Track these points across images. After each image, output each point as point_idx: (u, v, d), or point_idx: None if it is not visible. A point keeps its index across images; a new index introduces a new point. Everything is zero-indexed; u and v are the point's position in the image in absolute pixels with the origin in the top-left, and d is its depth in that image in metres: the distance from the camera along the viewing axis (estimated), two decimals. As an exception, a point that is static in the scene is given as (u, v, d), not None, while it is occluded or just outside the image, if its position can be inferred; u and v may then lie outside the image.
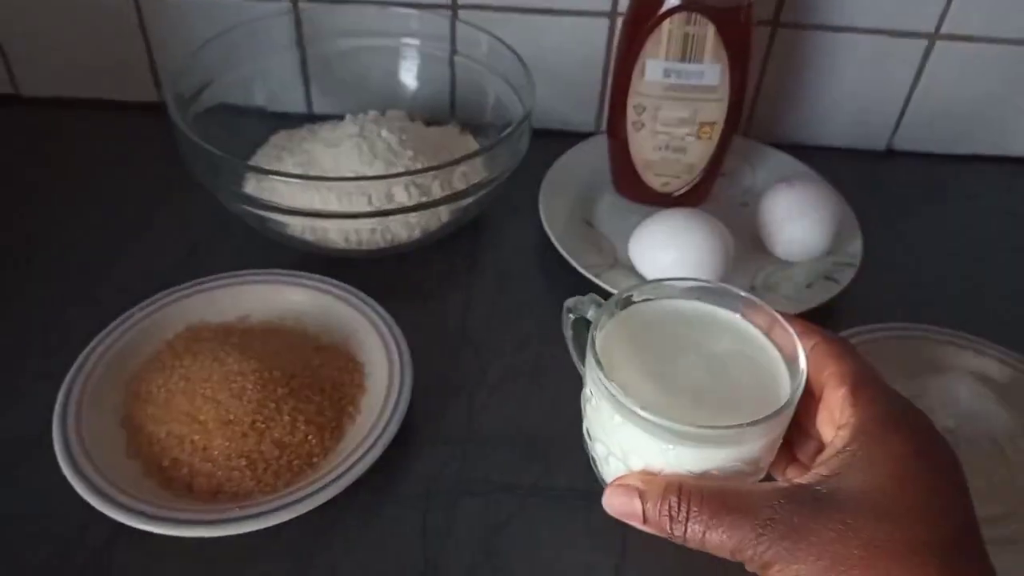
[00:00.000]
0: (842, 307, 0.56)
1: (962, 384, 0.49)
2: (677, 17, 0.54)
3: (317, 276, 0.53)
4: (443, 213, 0.58)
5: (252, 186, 0.56)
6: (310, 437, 0.45)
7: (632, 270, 0.57)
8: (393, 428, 0.45)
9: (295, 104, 0.71)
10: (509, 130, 0.56)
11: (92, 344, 0.48)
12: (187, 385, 0.45)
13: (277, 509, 0.41)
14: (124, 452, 0.45)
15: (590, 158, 0.66)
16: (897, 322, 0.54)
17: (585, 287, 0.55)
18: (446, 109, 0.70)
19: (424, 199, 0.55)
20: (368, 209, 0.54)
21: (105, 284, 0.56)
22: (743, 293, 0.43)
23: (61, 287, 0.56)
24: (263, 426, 0.44)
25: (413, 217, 0.56)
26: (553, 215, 0.61)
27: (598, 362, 0.40)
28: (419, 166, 0.58)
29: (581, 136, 0.70)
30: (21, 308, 0.54)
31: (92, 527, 0.42)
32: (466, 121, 0.69)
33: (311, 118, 0.70)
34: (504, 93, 0.64)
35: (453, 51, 0.68)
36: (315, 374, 0.48)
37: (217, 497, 0.43)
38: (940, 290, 0.61)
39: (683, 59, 0.55)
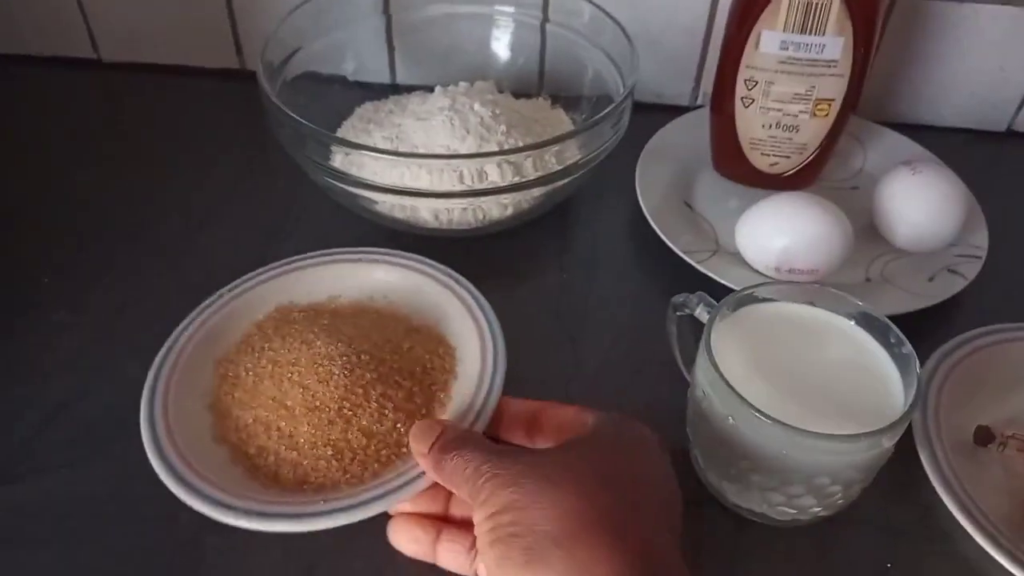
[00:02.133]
0: (968, 303, 0.52)
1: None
2: (799, -15, 0.50)
3: (409, 255, 0.50)
4: (536, 192, 0.55)
5: (340, 160, 0.54)
6: (399, 425, 0.42)
7: (736, 256, 0.53)
8: (486, 417, 0.42)
9: (379, 74, 0.69)
10: (610, 107, 0.53)
11: (183, 325, 0.46)
12: (275, 369, 0.43)
13: (365, 503, 0.38)
14: (211, 437, 0.43)
15: (687, 135, 0.62)
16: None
17: (685, 273, 0.52)
18: (535, 81, 0.67)
19: (518, 179, 0.52)
20: (459, 188, 0.51)
21: (190, 257, 0.55)
22: (858, 301, 0.40)
23: (147, 261, 0.55)
24: (350, 413, 0.42)
25: (506, 197, 0.53)
26: (650, 195, 0.57)
27: (713, 363, 0.38)
28: (512, 142, 0.55)
29: (675, 110, 0.66)
30: (108, 282, 0.53)
31: (181, 514, 0.40)
32: (557, 94, 0.65)
33: (395, 88, 0.67)
34: (603, 66, 0.60)
35: (545, 19, 0.64)
36: (405, 358, 0.45)
37: (303, 487, 0.40)
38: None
39: (804, 31, 0.51)
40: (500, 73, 0.66)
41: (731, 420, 0.37)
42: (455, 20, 0.65)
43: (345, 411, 0.41)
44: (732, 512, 0.41)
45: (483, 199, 0.53)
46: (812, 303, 0.42)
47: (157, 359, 0.44)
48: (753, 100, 0.55)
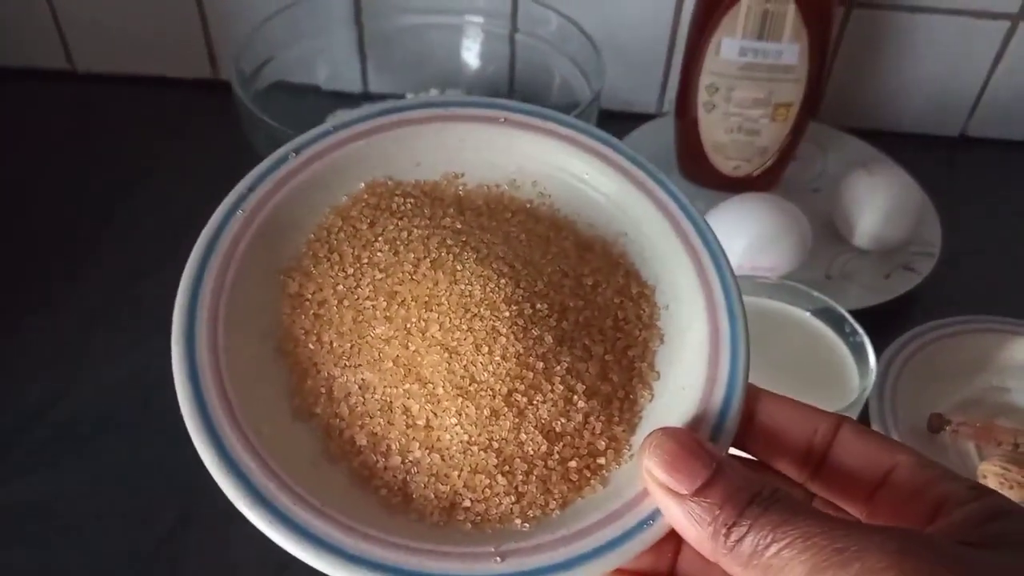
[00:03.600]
0: (921, 298, 0.54)
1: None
2: (756, -6, 0.52)
3: (571, 120, 0.30)
4: (507, 195, 0.56)
5: (314, 165, 0.55)
6: (592, 420, 0.25)
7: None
8: (731, 426, 0.24)
9: (351, 83, 0.70)
10: (576, 112, 0.55)
11: (225, 207, 0.28)
12: (392, 307, 0.25)
13: (569, 563, 0.22)
14: (288, 410, 0.25)
15: (653, 141, 0.64)
16: (979, 314, 0.51)
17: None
18: (506, 89, 0.68)
19: None
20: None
21: (166, 266, 0.55)
22: (815, 294, 0.42)
23: (121, 269, 0.55)
24: (524, 400, 0.25)
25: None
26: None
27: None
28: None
29: (643, 118, 0.68)
30: (83, 290, 0.54)
31: (160, 512, 0.41)
32: (527, 101, 0.67)
33: (367, 97, 0.69)
34: (571, 74, 0.62)
35: (514, 29, 0.66)
36: (590, 304, 0.27)
37: (452, 517, 0.24)
38: (1020, 284, 0.58)
39: (761, 37, 0.53)
40: (470, 81, 0.67)
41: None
42: (426, 30, 0.67)
43: (516, 396, 0.25)
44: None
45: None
46: (771, 297, 0.43)
47: (189, 269, 0.26)
48: (715, 106, 0.57)
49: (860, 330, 0.40)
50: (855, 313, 0.48)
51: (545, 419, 0.25)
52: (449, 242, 0.26)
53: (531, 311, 0.25)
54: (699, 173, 0.61)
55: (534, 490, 0.24)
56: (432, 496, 0.24)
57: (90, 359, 0.49)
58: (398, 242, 0.27)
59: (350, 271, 0.27)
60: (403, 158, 0.30)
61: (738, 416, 0.24)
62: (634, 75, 0.70)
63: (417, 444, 0.24)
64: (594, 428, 0.25)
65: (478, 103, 0.30)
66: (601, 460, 0.25)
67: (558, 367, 0.25)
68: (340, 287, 0.26)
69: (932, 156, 0.70)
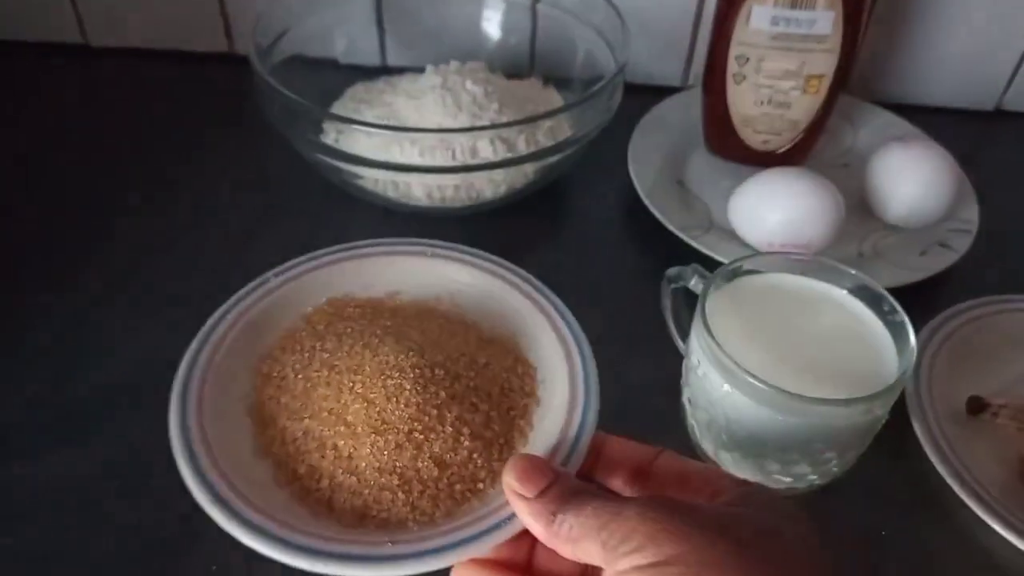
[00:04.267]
0: (958, 276, 0.52)
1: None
2: (789, -40, 0.50)
3: (482, 253, 0.44)
4: (529, 170, 0.55)
5: (332, 137, 0.54)
6: (475, 456, 0.35)
7: (729, 234, 0.53)
8: (579, 457, 0.34)
9: (369, 56, 0.69)
10: (601, 84, 0.53)
11: (220, 312, 0.39)
12: (331, 375, 0.37)
13: (441, 549, 0.32)
14: (252, 449, 0.36)
15: (679, 114, 0.62)
16: (1018, 293, 0.50)
17: (678, 251, 0.53)
18: (526, 62, 0.67)
19: (509, 155, 0.52)
20: (452, 163, 0.51)
21: (179, 242, 0.55)
22: (852, 271, 0.40)
23: (133, 246, 0.54)
24: (421, 437, 0.35)
25: (499, 174, 0.53)
26: (643, 174, 0.57)
27: (708, 330, 0.38)
28: (505, 119, 0.55)
29: (666, 91, 0.66)
30: (93, 267, 0.53)
31: (175, 497, 0.40)
32: (549, 74, 0.65)
33: (385, 70, 0.67)
34: (595, 46, 0.60)
35: (536, 1, 0.64)
36: (481, 375, 0.38)
37: (363, 522, 0.34)
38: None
39: (794, 6, 0.51)
40: (491, 54, 0.66)
41: (726, 387, 0.38)
42: (445, 1, 0.65)
43: (416, 434, 0.35)
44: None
45: (476, 176, 0.53)
46: (806, 274, 0.42)
47: (189, 352, 0.37)
48: (745, 77, 0.55)
49: (900, 309, 0.39)
50: (890, 292, 0.47)
51: (437, 452, 0.35)
52: (379, 332, 0.38)
53: (431, 375, 0.36)
54: (726, 147, 0.60)
55: (425, 503, 0.34)
56: (349, 508, 0.34)
57: (100, 341, 0.48)
58: (343, 335, 0.39)
59: (306, 355, 0.38)
60: (357, 281, 0.43)
61: (584, 449, 0.34)
62: (658, 47, 0.68)
63: (341, 470, 0.35)
64: (477, 462, 0.35)
65: (413, 242, 0.44)
66: (480, 485, 0.35)
67: (449, 415, 0.36)
68: (297, 366, 0.38)
69: (967, 131, 0.68)
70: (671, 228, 0.53)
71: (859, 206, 0.56)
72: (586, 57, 0.61)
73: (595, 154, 0.58)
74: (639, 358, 0.48)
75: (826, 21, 0.52)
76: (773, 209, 0.50)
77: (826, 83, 0.54)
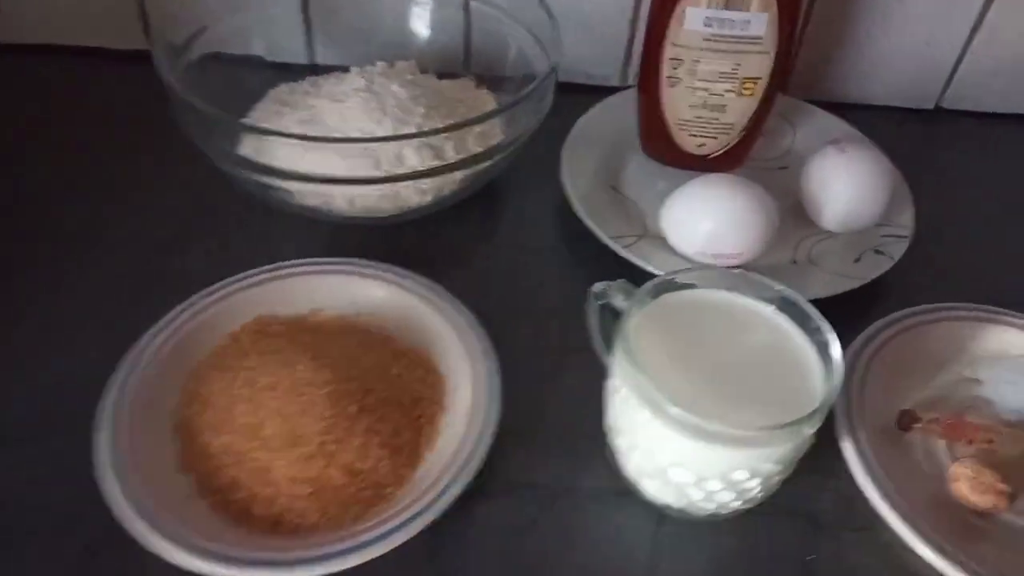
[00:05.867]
0: (894, 283, 0.51)
1: (1028, 374, 0.45)
2: (721, -41, 0.48)
3: (399, 269, 0.47)
4: (458, 177, 0.53)
5: (249, 147, 0.51)
6: (383, 463, 0.39)
7: (663, 241, 0.52)
8: (473, 466, 0.38)
9: (296, 54, 0.66)
10: (531, 87, 0.51)
11: (151, 331, 0.42)
12: (252, 392, 0.39)
13: (347, 551, 0.35)
14: (176, 465, 0.39)
15: (615, 116, 0.61)
16: (954, 301, 0.49)
17: (612, 259, 0.51)
18: (460, 60, 0.64)
19: (437, 163, 0.50)
20: (376, 174, 0.49)
21: (96, 254, 0.52)
22: (779, 286, 0.39)
23: (45, 259, 0.51)
24: (333, 448, 0.38)
25: (426, 182, 0.51)
26: (576, 179, 0.56)
27: (629, 354, 0.36)
28: (432, 124, 0.53)
29: (604, 91, 0.64)
30: (8, 282, 0.50)
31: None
32: (482, 74, 0.63)
33: (314, 69, 0.64)
34: (527, 44, 0.58)
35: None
36: (393, 386, 0.42)
37: (277, 528, 0.37)
38: (1001, 264, 0.56)
39: (727, 6, 0.50)
40: (423, 52, 0.63)
41: (647, 414, 0.36)
42: (376, -2, 0.63)
43: (328, 446, 0.38)
44: (652, 506, 0.40)
45: (401, 185, 0.50)
46: (733, 289, 0.40)
47: (121, 371, 0.40)
48: (679, 80, 0.54)
49: (825, 328, 0.37)
50: (821, 301, 0.46)
51: (348, 461, 0.38)
52: (298, 349, 0.41)
53: (343, 389, 0.39)
54: (662, 151, 0.58)
55: (335, 510, 0.37)
56: (264, 515, 0.37)
57: (27, 356, 0.45)
58: (266, 353, 0.41)
59: (230, 373, 0.40)
60: (280, 300, 0.46)
61: (483, 453, 0.38)
62: (596, 46, 0.66)
63: (257, 482, 0.37)
64: (385, 468, 0.38)
65: (336, 261, 0.48)
66: (388, 489, 0.38)
67: (360, 427, 0.38)
68: (221, 384, 0.40)
69: (907, 130, 0.67)
70: (601, 238, 0.51)
71: (797, 208, 0.55)
72: (518, 56, 0.59)
73: (531, 155, 0.56)
74: (569, 372, 0.47)
75: (760, 22, 0.50)
76: (703, 218, 0.49)
77: (762, 85, 0.53)
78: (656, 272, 0.49)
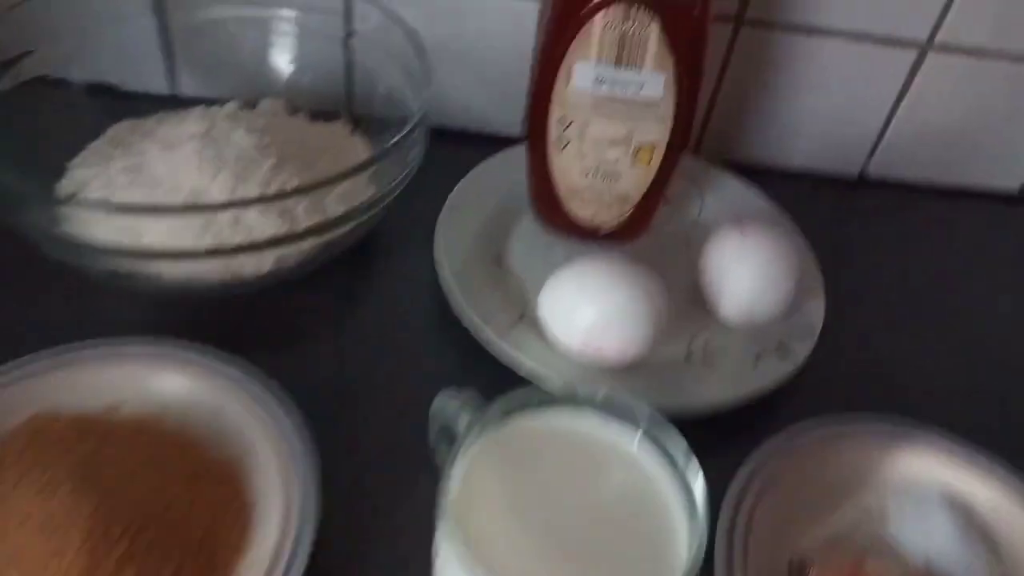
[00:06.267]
0: (796, 386, 0.45)
1: (938, 510, 0.39)
2: (613, 9, 0.42)
3: (222, 355, 0.40)
4: (306, 245, 0.45)
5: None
6: None
7: (541, 328, 0.45)
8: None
9: (156, 83, 0.58)
10: (396, 137, 0.44)
11: None
12: (4, 518, 0.32)
13: None
14: None
15: (510, 172, 0.54)
16: (858, 411, 0.43)
17: (485, 348, 0.44)
18: (339, 101, 0.57)
19: (285, 230, 0.43)
20: (202, 246, 0.41)
21: None
22: (648, 410, 0.32)
23: None
24: None
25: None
26: (452, 246, 0.49)
27: (451, 512, 0.29)
28: (283, 180, 0.46)
29: (504, 142, 0.58)
30: None
31: None
32: (362, 116, 0.56)
33: (177, 102, 0.57)
34: (398, 84, 0.51)
35: (350, 30, 0.55)
36: (179, 519, 0.34)
37: None
38: (922, 367, 0.50)
39: (619, 64, 0.44)
40: (298, 88, 0.56)
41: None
42: (243, 25, 0.55)
43: None
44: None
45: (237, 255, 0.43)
46: (599, 410, 0.34)
47: None
48: (568, 142, 0.47)
49: (692, 469, 0.31)
50: (716, 411, 0.40)
51: None
52: (65, 469, 0.33)
53: (105, 530, 0.31)
54: (554, 220, 0.52)
55: None
56: None
57: None
58: (32, 468, 0.33)
59: None
60: (70, 391, 0.38)
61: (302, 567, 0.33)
62: (493, 89, 0.60)
63: None
64: None
65: (142, 342, 0.40)
66: None
67: (126, 574, 0.31)
68: None
69: (826, 202, 0.62)
70: (469, 324, 0.45)
71: (696, 293, 0.48)
72: (388, 97, 0.52)
73: (411, 211, 0.49)
74: (417, 493, 0.40)
75: (656, 84, 0.44)
76: (584, 307, 0.42)
77: (659, 154, 0.47)
78: (529, 365, 0.42)
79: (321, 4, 0.54)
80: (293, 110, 0.55)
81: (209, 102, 0.54)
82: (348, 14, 0.54)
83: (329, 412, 0.42)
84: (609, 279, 0.43)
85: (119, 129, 0.52)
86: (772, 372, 0.45)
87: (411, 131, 0.45)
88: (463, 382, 0.36)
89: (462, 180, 0.53)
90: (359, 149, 0.53)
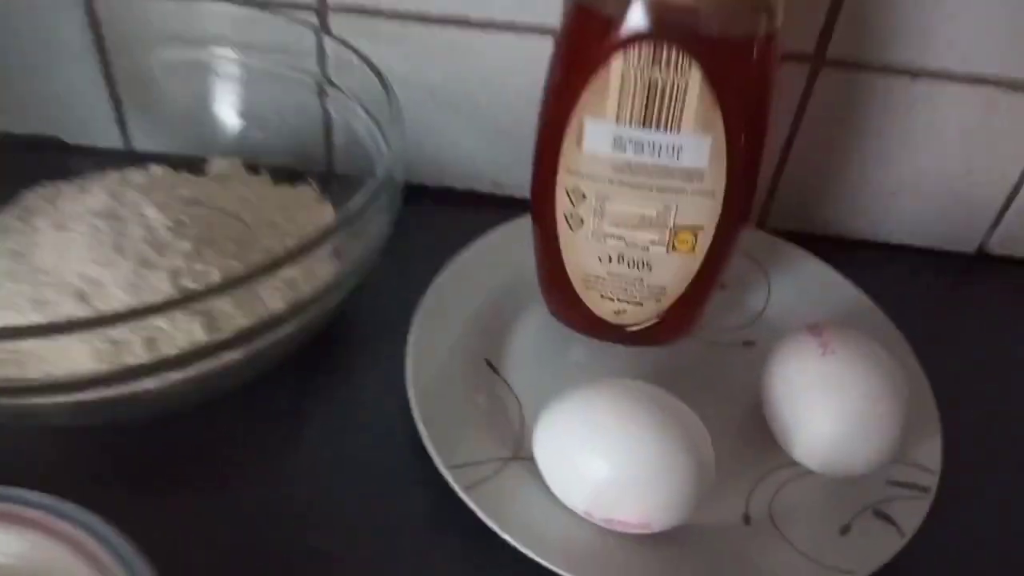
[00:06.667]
0: (904, 569, 0.32)
1: None
2: (638, 50, 0.30)
3: (53, 505, 0.29)
4: (236, 355, 0.34)
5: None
6: None
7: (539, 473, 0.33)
8: None
9: (107, 136, 0.49)
10: (357, 205, 0.33)
11: None
12: None
13: None
14: None
15: (520, 247, 0.42)
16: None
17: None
18: (311, 156, 0.47)
19: (207, 337, 0.32)
20: (87, 372, 0.31)
21: None
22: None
23: None
24: None
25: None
26: (429, 350, 0.37)
27: None
28: (200, 268, 0.35)
29: (518, 204, 0.46)
30: None
31: None
32: (338, 176, 0.46)
33: (131, 157, 0.47)
34: (369, 135, 0.41)
35: (326, 80, 0.44)
36: None
37: None
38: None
39: (647, 124, 0.32)
40: (262, 145, 0.46)
41: None
42: (201, 70, 0.46)
43: None
44: None
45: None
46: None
47: None
48: (582, 221, 0.35)
49: None
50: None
51: None
52: None
53: None
54: (569, 313, 0.40)
55: None
56: None
57: None
58: None
59: None
60: None
61: None
62: (503, 146, 0.48)
63: None
64: None
65: None
66: None
67: None
68: None
69: (936, 283, 0.48)
70: (438, 466, 0.33)
71: (759, 422, 0.36)
72: (351, 146, 0.42)
73: (392, 291, 0.38)
74: None
75: (699, 150, 0.32)
76: (592, 459, 0.30)
77: (705, 239, 0.34)
78: (515, 532, 0.30)
79: (293, 44, 0.44)
80: (256, 170, 0.45)
81: (167, 159, 0.45)
82: (321, 57, 0.44)
83: (256, 566, 0.31)
84: (629, 422, 0.30)
85: (32, 196, 0.42)
86: (868, 550, 0.31)
87: (376, 194, 0.34)
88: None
89: (457, 256, 0.42)
90: (326, 215, 0.42)
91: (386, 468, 0.36)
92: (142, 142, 0.50)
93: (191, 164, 0.45)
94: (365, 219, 0.35)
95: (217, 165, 0.44)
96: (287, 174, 0.45)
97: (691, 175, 0.32)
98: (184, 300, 0.32)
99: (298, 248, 0.32)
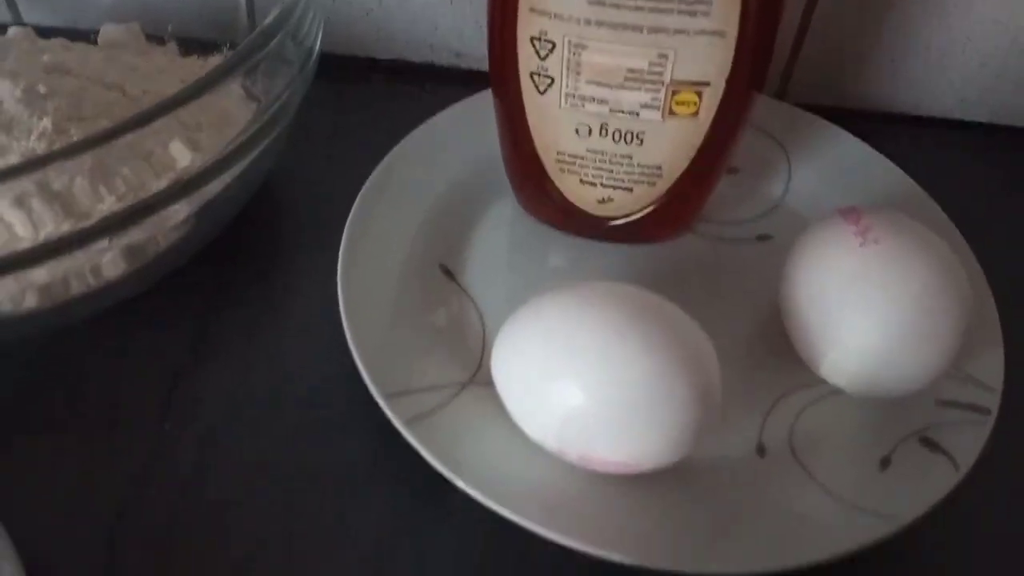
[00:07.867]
0: (951, 510, 0.25)
1: None
2: None
3: None
4: (120, 255, 0.27)
5: None
6: None
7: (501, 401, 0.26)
8: None
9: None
10: (232, 56, 0.26)
11: None
12: None
13: None
14: None
15: (481, 126, 0.34)
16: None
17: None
18: (228, 24, 0.39)
19: (66, 227, 0.25)
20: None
21: None
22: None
23: None
24: None
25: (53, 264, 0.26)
26: (374, 253, 0.30)
27: None
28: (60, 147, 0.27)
29: (481, 78, 0.38)
30: None
31: None
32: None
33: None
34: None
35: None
36: None
37: None
38: None
39: (633, -66, 0.23)
40: (182, 11, 0.38)
41: None
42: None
43: None
44: None
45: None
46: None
47: None
48: (552, 80, 0.27)
49: None
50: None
51: None
52: None
53: None
54: (542, 204, 0.32)
55: None
56: None
57: None
58: None
59: None
60: None
61: None
62: (465, 10, 0.40)
63: None
64: None
65: None
66: None
67: None
68: None
69: (998, 168, 0.40)
70: (374, 394, 0.26)
71: (780, 334, 0.29)
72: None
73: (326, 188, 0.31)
74: None
75: (705, -29, 0.24)
76: (565, 381, 0.23)
77: (713, 98, 0.27)
78: (462, 486, 0.24)
79: None
80: (162, 40, 0.37)
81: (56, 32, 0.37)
82: None
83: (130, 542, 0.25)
84: (613, 328, 0.23)
85: None
86: (914, 482, 0.25)
87: (253, 51, 0.26)
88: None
89: (405, 138, 0.34)
90: (242, 111, 0.34)
91: (313, 400, 0.29)
92: (29, 15, 0.41)
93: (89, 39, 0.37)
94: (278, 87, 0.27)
95: (107, 31, 0.36)
96: (200, 46, 0.37)
97: (693, 6, 0.24)
98: (25, 167, 0.24)
99: (148, 111, 0.25)
